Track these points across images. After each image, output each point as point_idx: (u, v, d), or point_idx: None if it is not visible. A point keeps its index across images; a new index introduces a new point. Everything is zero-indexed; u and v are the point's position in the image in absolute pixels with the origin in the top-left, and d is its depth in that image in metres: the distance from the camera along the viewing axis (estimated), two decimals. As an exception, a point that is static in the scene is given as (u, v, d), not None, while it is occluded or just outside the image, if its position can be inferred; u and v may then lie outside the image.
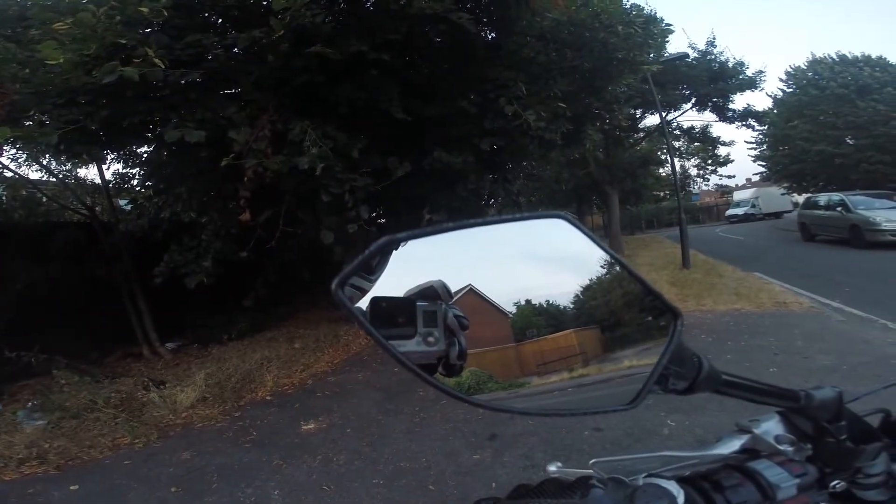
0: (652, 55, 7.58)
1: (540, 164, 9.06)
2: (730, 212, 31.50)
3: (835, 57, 22.39)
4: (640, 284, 0.49)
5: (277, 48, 3.90)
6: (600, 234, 19.28)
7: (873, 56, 21.35)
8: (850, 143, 20.05)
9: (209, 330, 6.75)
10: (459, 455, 2.98)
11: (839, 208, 12.25)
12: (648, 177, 20.92)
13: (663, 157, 20.61)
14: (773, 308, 6.05)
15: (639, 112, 16.82)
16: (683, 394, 0.48)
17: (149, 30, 4.06)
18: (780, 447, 0.53)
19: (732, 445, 0.55)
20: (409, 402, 3.92)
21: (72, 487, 3.02)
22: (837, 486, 0.50)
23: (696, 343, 4.82)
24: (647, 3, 13.96)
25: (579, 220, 0.47)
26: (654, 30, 6.86)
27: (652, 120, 18.10)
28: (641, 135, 18.45)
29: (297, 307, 8.13)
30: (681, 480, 0.49)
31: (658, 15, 14.36)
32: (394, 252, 0.41)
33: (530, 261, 0.50)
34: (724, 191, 41.82)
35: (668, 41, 13.53)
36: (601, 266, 0.49)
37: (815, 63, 23.00)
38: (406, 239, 0.42)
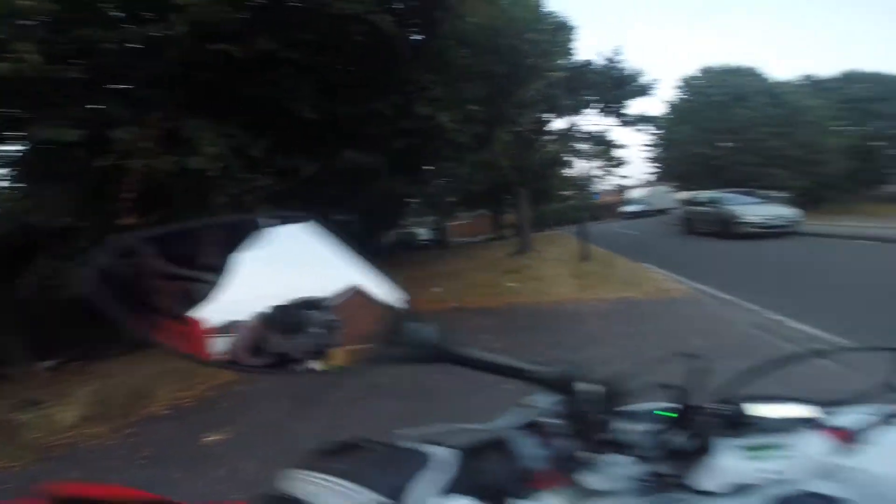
0: (559, 61, 8.03)
1: (456, 166, 9.33)
2: (625, 209, 34.34)
3: (721, 66, 25.19)
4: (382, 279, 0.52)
5: (179, 44, 3.66)
6: (513, 232, 19.68)
7: (747, 66, 24.35)
8: (727, 146, 22.81)
9: (92, 344, 6.11)
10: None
11: (713, 204, 13.96)
12: (556, 177, 22.21)
13: (570, 158, 21.98)
14: (657, 295, 6.75)
15: (551, 116, 17.72)
16: (412, 363, 0.51)
17: (30, 23, 3.61)
18: (552, 421, 0.55)
19: (516, 419, 0.58)
20: (319, 407, 3.87)
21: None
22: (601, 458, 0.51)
23: (588, 329, 5.27)
24: (557, 11, 14.80)
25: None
26: (561, 38, 7.32)
27: (561, 123, 19.20)
28: (552, 137, 19.51)
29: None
30: (458, 449, 0.52)
31: (569, 23, 15.27)
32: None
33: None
34: (622, 190, 45.58)
35: (571, 50, 14.50)
36: None
37: (705, 72, 25.66)
38: (136, 238, 0.46)
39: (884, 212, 17.78)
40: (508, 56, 6.02)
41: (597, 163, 32.52)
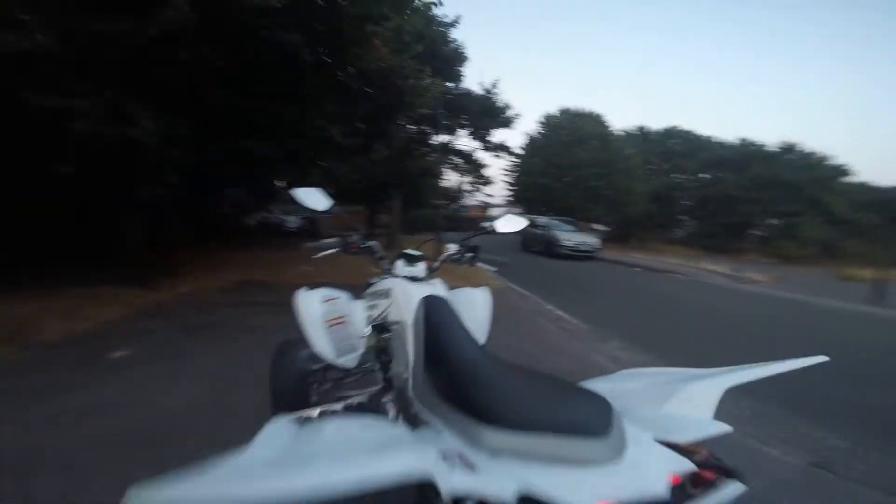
0: (437, 90, 9.63)
1: (338, 166, 10.69)
2: (484, 224, 38.06)
3: (575, 110, 29.20)
4: None
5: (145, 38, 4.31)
6: (384, 231, 20.98)
7: (595, 112, 28.72)
8: (565, 180, 27.09)
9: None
10: (259, 365, 3.71)
11: (544, 228, 17.23)
12: (430, 186, 24.24)
13: (444, 170, 24.14)
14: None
15: (431, 131, 19.57)
16: None
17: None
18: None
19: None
20: (208, 336, 4.80)
21: None
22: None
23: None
24: (457, 40, 16.72)
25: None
26: (429, 81, 8.97)
27: (440, 139, 21.30)
28: (429, 150, 21.44)
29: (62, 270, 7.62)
30: None
31: (463, 53, 17.31)
32: None
33: None
34: (486, 206, 50.15)
35: (461, 75, 16.48)
36: None
37: (562, 112, 29.40)
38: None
39: (665, 249, 23.36)
40: (391, 91, 7.62)
41: (467, 178, 35.67)
